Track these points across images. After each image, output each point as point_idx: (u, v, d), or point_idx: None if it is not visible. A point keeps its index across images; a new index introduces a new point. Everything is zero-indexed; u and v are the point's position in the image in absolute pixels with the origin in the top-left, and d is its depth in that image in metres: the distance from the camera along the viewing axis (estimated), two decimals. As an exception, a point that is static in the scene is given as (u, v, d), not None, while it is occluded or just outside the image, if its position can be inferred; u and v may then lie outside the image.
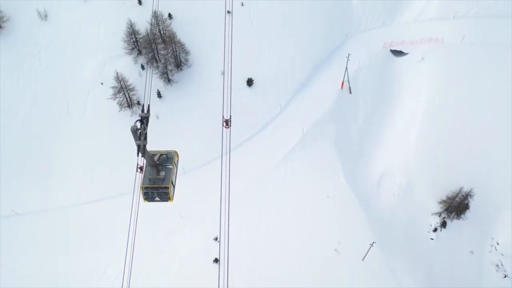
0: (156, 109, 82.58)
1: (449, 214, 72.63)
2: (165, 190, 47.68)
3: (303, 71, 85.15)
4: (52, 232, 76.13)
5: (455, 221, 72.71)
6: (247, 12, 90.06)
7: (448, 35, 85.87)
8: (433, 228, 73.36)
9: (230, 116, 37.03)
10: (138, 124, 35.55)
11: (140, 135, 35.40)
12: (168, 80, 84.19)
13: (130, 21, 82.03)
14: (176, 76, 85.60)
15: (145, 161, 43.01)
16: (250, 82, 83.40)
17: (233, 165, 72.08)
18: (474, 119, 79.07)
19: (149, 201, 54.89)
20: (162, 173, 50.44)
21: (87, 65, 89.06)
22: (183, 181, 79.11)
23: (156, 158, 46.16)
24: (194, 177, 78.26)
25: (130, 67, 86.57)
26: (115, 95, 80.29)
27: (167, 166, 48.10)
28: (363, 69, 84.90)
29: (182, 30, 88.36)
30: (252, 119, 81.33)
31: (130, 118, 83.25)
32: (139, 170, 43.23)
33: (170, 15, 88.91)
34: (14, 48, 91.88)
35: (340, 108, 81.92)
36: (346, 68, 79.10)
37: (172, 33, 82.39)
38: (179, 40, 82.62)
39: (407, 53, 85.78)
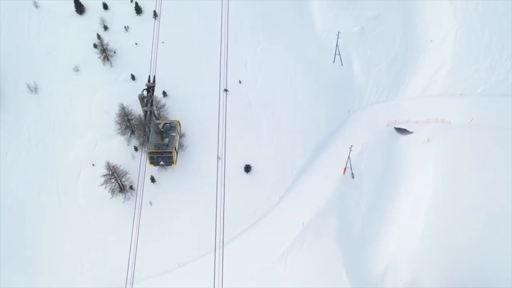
0: (150, 194, 78.87)
1: (457, 317, 68.92)
2: (169, 155, 54.31)
3: (304, 154, 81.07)
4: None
5: (464, 325, 69.01)
6: (245, 90, 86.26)
7: (454, 114, 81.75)
8: (440, 330, 69.67)
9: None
10: (145, 93, 40.47)
11: (146, 102, 40.48)
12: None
13: (122, 104, 78.35)
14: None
15: (151, 128, 48.26)
16: (247, 168, 79.51)
17: (228, 261, 68.79)
18: (483, 208, 74.54)
19: (154, 165, 61.28)
20: (166, 140, 55.98)
21: (78, 143, 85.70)
22: (179, 276, 76.11)
23: (160, 126, 52.56)
24: (189, 272, 74.67)
25: (122, 148, 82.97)
26: (106, 182, 76.66)
27: (171, 134, 54.21)
28: (366, 151, 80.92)
29: (176, 109, 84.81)
30: (250, 209, 77.45)
31: (123, 205, 79.74)
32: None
33: (164, 93, 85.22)
34: (2, 123, 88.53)
35: (342, 195, 78.05)
36: (349, 157, 75.43)
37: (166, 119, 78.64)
38: (173, 125, 78.95)
39: (412, 132, 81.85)
